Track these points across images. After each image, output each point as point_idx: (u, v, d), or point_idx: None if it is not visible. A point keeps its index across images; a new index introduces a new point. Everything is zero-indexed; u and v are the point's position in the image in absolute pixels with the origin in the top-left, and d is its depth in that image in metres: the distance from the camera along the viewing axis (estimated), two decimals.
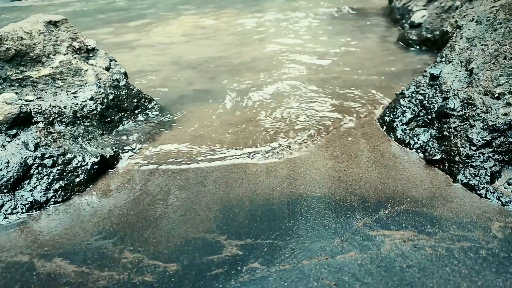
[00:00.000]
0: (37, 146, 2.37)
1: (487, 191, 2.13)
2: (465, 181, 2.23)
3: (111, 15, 8.52)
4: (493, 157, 2.22)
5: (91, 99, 2.99)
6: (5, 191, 2.19)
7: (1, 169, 2.20)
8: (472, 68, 2.57)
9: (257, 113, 3.34)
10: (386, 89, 3.71)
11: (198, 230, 1.98)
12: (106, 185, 2.43)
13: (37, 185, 2.26)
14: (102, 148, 2.68)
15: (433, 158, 2.45)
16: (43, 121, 2.59)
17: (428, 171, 2.41)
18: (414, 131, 2.73)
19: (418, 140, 2.64)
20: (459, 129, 2.40)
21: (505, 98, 2.28)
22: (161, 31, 6.76)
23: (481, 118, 2.31)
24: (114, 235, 1.97)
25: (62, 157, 2.40)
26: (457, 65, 2.74)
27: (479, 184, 2.18)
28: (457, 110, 2.47)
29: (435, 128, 2.61)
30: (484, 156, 2.23)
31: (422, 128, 2.71)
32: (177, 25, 7.15)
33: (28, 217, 2.15)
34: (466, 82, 2.57)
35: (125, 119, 3.20)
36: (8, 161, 2.24)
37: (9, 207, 2.15)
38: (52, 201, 2.25)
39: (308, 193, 2.24)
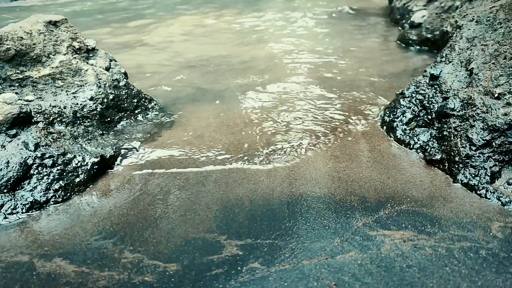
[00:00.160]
0: (37, 146, 2.37)
1: (487, 191, 2.13)
2: (465, 181, 2.23)
3: (111, 15, 8.52)
4: (493, 157, 2.22)
5: (91, 99, 2.99)
6: (5, 191, 2.19)
7: (1, 169, 2.20)
8: (472, 68, 2.57)
9: (257, 113, 3.34)
10: (386, 89, 3.72)
11: (198, 230, 1.98)
12: (106, 185, 2.43)
13: (37, 185, 2.26)
14: (102, 148, 2.68)
15: (433, 158, 2.45)
16: (43, 121, 2.59)
17: (428, 171, 2.41)
18: (414, 131, 2.73)
19: (418, 140, 2.64)
20: (459, 129, 2.40)
21: (505, 98, 2.28)
22: (161, 31, 6.76)
23: (481, 118, 2.31)
24: (114, 235, 1.97)
25: (62, 157, 2.40)
26: (457, 65, 2.74)
27: (479, 184, 2.18)
28: (457, 110, 2.47)
29: (435, 128, 2.61)
30: (484, 156, 2.23)
31: (422, 128, 2.71)
32: (177, 25, 7.15)
33: (28, 217, 2.15)
34: (466, 82, 2.57)
35: (125, 119, 3.20)
36: (8, 161, 2.24)
37: (9, 207, 2.15)
38: (52, 201, 2.25)
39: (308, 193, 2.24)
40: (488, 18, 2.76)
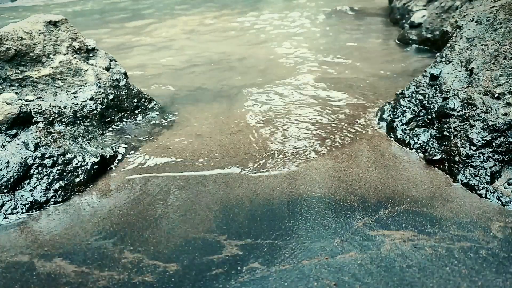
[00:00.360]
0: (37, 146, 2.37)
1: (487, 191, 2.13)
2: (465, 181, 2.23)
3: (111, 15, 8.52)
4: (493, 157, 2.22)
5: (91, 99, 2.99)
6: (5, 191, 2.19)
7: (1, 169, 2.20)
8: (472, 68, 2.57)
9: (256, 112, 3.34)
10: (386, 89, 3.71)
11: (198, 230, 1.98)
12: (106, 185, 2.43)
13: (37, 185, 2.26)
14: (102, 148, 2.68)
15: (433, 158, 2.45)
16: (43, 121, 2.59)
17: (428, 171, 2.41)
18: (414, 131, 2.73)
19: (418, 140, 2.64)
20: (459, 129, 2.40)
21: (505, 98, 2.28)
22: (161, 31, 6.77)
23: (481, 118, 2.31)
24: (114, 235, 1.97)
25: (62, 157, 2.40)
26: (457, 65, 2.74)
27: (479, 184, 2.18)
28: (457, 110, 2.47)
29: (435, 128, 2.61)
30: (484, 156, 2.23)
31: (422, 128, 2.71)
32: (178, 25, 7.15)
33: (28, 217, 2.15)
34: (466, 82, 2.57)
35: (125, 119, 3.20)
36: (8, 161, 2.24)
37: (9, 207, 2.15)
38: (52, 201, 2.25)
39: (308, 193, 2.24)
40: (488, 18, 2.76)
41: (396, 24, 6.20)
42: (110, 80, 3.18)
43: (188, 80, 4.29)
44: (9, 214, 2.14)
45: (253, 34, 6.24)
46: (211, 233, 1.95)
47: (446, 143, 2.45)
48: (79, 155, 2.47)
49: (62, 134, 2.61)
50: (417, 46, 5.06)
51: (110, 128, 3.06)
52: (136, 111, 3.30)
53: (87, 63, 3.16)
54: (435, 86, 2.76)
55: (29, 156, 2.30)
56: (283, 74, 4.29)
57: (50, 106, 2.77)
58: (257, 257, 1.78)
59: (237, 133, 2.99)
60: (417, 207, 2.07)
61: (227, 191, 2.29)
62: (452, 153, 2.35)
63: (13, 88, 2.78)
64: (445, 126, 2.51)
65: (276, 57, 4.96)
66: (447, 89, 2.64)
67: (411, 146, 2.65)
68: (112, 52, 3.75)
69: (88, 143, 2.69)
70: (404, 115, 2.83)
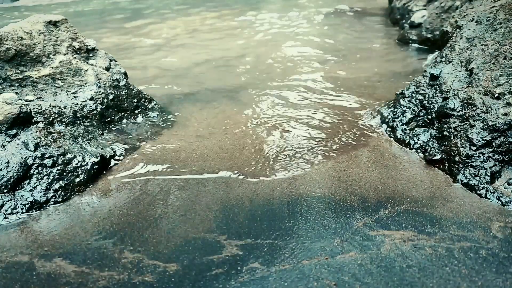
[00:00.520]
0: (37, 146, 2.37)
1: (487, 191, 2.13)
2: (465, 181, 2.23)
3: (111, 15, 8.52)
4: (493, 157, 2.22)
5: (91, 99, 2.99)
6: (5, 191, 2.19)
7: (1, 169, 2.20)
8: (472, 68, 2.57)
9: (256, 112, 3.34)
10: (386, 89, 3.71)
11: (198, 230, 1.98)
12: (106, 185, 2.43)
13: (37, 185, 2.26)
14: (102, 148, 2.68)
15: (433, 158, 2.45)
16: (43, 121, 2.59)
17: (428, 171, 2.41)
18: (414, 131, 2.73)
19: (418, 140, 2.64)
20: (459, 129, 2.40)
21: (505, 98, 2.28)
22: (161, 31, 6.77)
23: (481, 118, 2.31)
24: (114, 235, 1.97)
25: (62, 157, 2.40)
26: (457, 65, 2.74)
27: (479, 184, 2.18)
28: (457, 110, 2.47)
29: (435, 128, 2.61)
30: (484, 156, 2.23)
31: (422, 128, 2.71)
32: (178, 25, 7.15)
33: (28, 217, 2.15)
34: (466, 82, 2.57)
35: (125, 119, 3.20)
36: (8, 161, 2.24)
37: (9, 207, 2.15)
38: (52, 201, 2.25)
39: (308, 193, 2.24)
40: (488, 18, 2.76)
41: (396, 24, 6.20)
42: (110, 80, 3.18)
43: (188, 80, 4.29)
44: (9, 214, 2.14)
45: (253, 34, 6.24)
46: (211, 233, 1.95)
47: (446, 143, 2.45)
48: (79, 155, 2.47)
49: (62, 134, 2.61)
50: (417, 46, 5.06)
51: (110, 128, 3.06)
52: (136, 111, 3.30)
53: (87, 63, 3.16)
54: (435, 86, 2.76)
55: (29, 156, 2.30)
56: (283, 74, 4.29)
57: (50, 106, 2.77)
58: (257, 257, 1.78)
59: (237, 133, 2.99)
60: (417, 207, 2.07)
61: (227, 191, 2.29)
62: (452, 153, 2.35)
63: (13, 88, 2.78)
64: (445, 126, 2.51)
65: (276, 57, 4.96)
66: (447, 89, 2.64)
67: (411, 146, 2.65)
68: (112, 52, 3.75)
69: (88, 143, 2.69)
70: (404, 115, 2.83)
